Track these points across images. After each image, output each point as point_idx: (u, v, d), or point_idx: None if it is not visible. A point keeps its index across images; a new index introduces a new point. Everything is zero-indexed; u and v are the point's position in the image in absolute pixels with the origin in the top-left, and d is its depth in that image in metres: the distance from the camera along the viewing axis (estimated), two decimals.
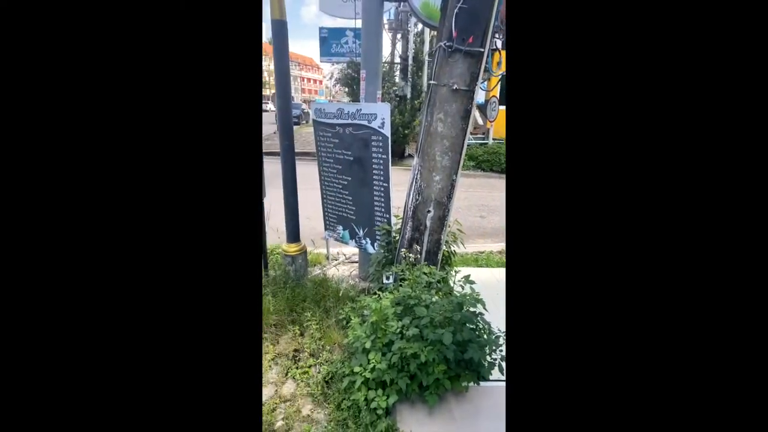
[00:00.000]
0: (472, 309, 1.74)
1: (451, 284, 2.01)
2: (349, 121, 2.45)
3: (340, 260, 3.23)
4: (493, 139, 8.44)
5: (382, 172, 2.41)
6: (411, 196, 2.25)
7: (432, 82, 2.04)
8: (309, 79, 69.34)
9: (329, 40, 9.30)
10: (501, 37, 2.11)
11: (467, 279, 1.83)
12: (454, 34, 1.88)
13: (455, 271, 1.99)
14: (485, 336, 1.68)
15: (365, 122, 2.38)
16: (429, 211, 2.18)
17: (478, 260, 3.36)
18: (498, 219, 4.86)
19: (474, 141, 8.24)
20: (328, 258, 3.14)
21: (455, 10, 1.84)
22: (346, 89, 8.27)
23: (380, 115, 2.30)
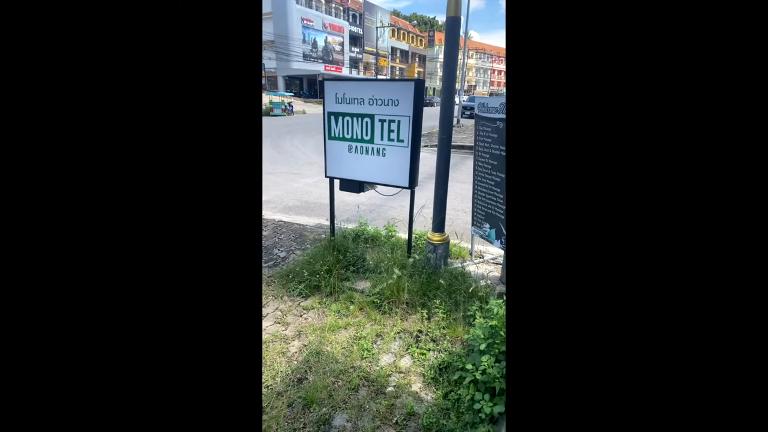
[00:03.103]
0: None
1: None
2: None
3: (485, 258, 3.16)
4: None
5: None
6: None
7: None
8: (500, 71, 67.01)
9: None
10: None
11: None
12: None
13: None
14: None
15: None
16: None
17: None
18: None
19: None
20: (471, 254, 3.12)
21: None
22: None
23: None
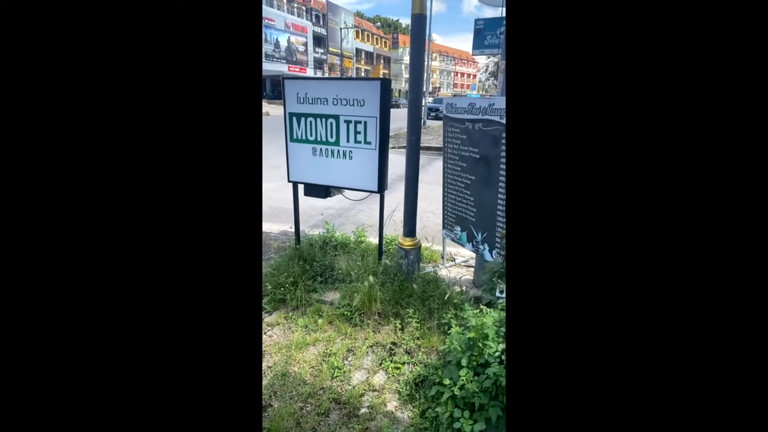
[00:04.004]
0: None
1: None
2: (480, 117, 2.28)
3: (456, 261, 3.11)
4: None
5: None
6: None
7: None
8: (463, 74, 68.75)
9: (484, 32, 8.92)
10: None
11: None
12: None
13: None
14: None
15: (497, 118, 2.17)
16: None
17: None
18: None
19: None
20: (443, 257, 3.06)
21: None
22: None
23: None
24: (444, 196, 2.75)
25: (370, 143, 2.34)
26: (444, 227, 2.84)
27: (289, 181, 2.69)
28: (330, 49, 38.16)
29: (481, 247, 2.48)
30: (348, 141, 2.40)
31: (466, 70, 68.15)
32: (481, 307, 1.75)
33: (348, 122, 2.36)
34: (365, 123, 2.31)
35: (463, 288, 2.57)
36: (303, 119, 2.49)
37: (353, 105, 2.31)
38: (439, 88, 58.08)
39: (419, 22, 2.31)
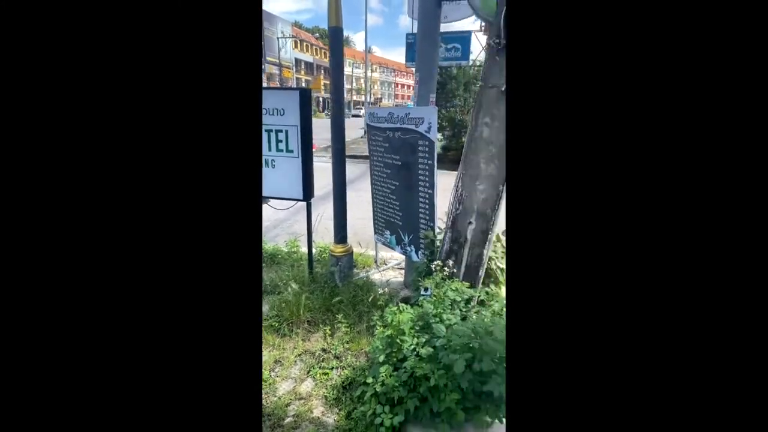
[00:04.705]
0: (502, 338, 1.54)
1: (496, 306, 1.83)
2: (398, 126, 2.40)
3: (390, 265, 3.20)
4: None
5: (427, 178, 2.31)
6: (452, 205, 2.11)
7: (480, 83, 1.88)
8: (403, 85, 70.96)
9: (414, 45, 9.35)
10: None
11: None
12: (503, 30, 1.69)
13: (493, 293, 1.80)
14: None
15: (413, 126, 2.30)
16: (470, 223, 2.00)
17: None
18: None
19: None
20: (376, 262, 3.14)
21: (506, 4, 1.66)
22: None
23: (427, 119, 2.20)
24: (373, 201, 2.84)
25: (292, 151, 2.35)
26: (375, 232, 2.91)
27: None
28: (268, 59, 37.28)
29: (409, 248, 2.59)
30: (270, 149, 2.39)
31: (406, 81, 70.44)
32: (399, 305, 1.83)
33: (269, 131, 2.35)
34: (286, 132, 2.32)
35: (387, 290, 2.66)
36: None
37: (273, 114, 2.31)
38: (381, 98, 59.32)
39: (336, 34, 2.39)
